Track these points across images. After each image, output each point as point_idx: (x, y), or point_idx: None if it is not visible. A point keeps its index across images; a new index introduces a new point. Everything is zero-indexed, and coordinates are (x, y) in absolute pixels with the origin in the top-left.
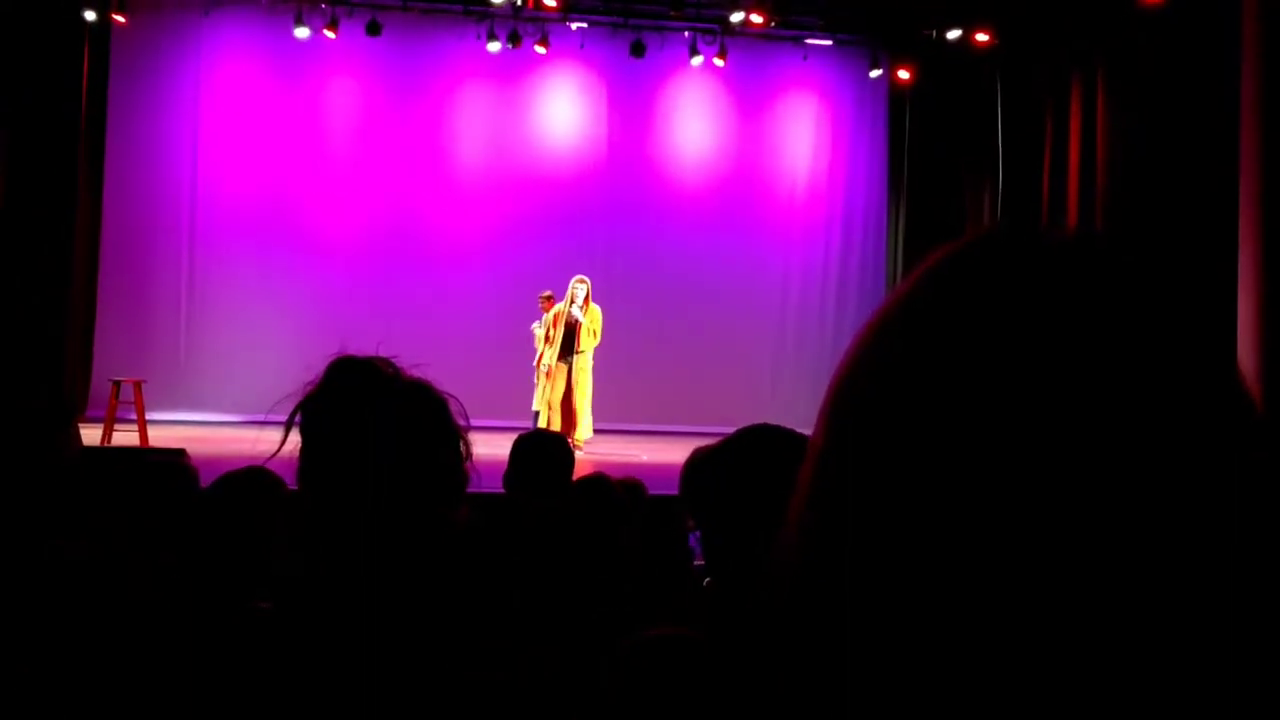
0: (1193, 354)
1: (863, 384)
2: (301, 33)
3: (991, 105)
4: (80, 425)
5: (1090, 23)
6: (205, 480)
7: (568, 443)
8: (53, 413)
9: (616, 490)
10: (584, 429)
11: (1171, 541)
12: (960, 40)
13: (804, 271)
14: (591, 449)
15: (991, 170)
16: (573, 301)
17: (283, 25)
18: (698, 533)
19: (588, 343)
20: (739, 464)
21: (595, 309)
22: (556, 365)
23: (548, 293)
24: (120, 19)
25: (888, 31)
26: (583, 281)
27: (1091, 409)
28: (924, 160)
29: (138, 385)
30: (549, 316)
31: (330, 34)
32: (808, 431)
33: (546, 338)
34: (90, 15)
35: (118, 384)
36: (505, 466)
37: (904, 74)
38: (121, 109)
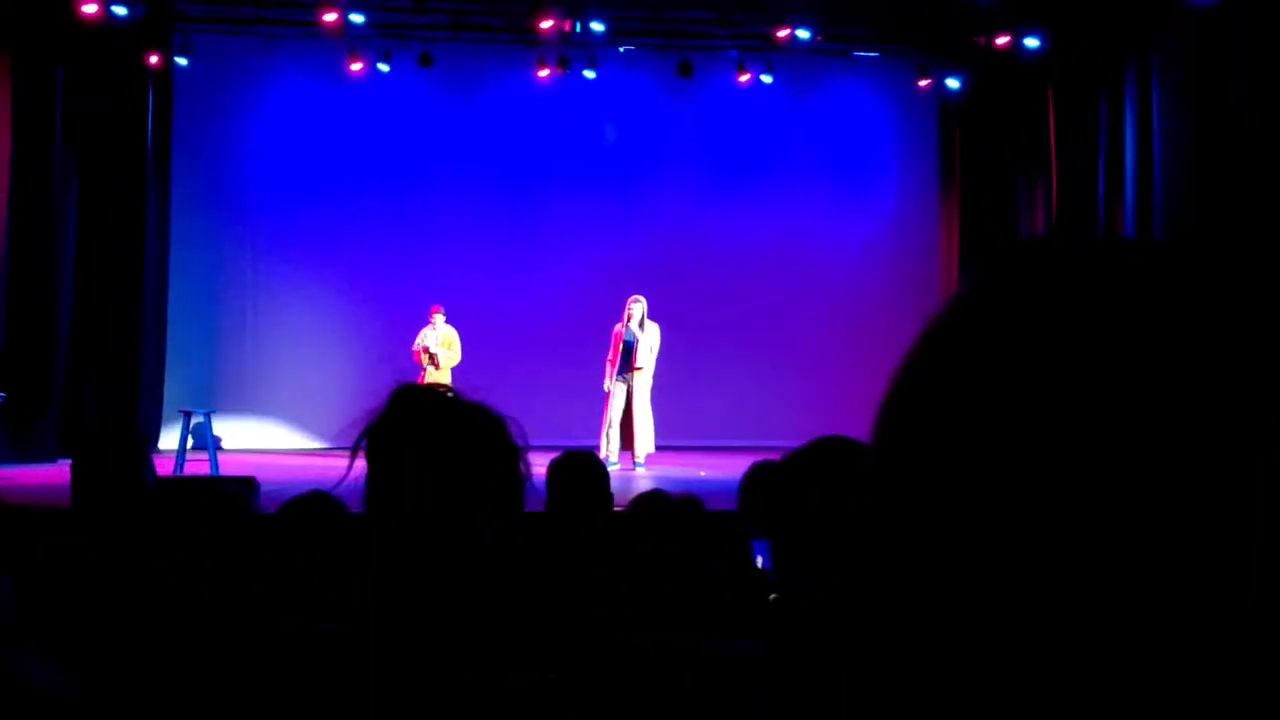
0: (1251, 364)
1: (916, 395)
2: (356, 67)
3: (1043, 109)
4: (154, 456)
5: (1142, 22)
6: (273, 507)
7: (599, 459)
8: (128, 445)
9: (675, 506)
10: (645, 446)
11: (1221, 552)
12: (1009, 45)
13: (858, 284)
14: (650, 465)
15: (1045, 176)
16: (629, 321)
17: (338, 61)
18: (762, 546)
19: (647, 359)
20: (811, 476)
21: (653, 326)
22: (616, 384)
23: (439, 309)
24: (182, 61)
25: (935, 40)
26: (638, 301)
27: (1141, 419)
28: (976, 168)
29: (208, 416)
30: (613, 334)
31: (383, 67)
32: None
33: (611, 361)
34: (154, 59)
35: (188, 415)
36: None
37: (953, 82)
38: (185, 148)
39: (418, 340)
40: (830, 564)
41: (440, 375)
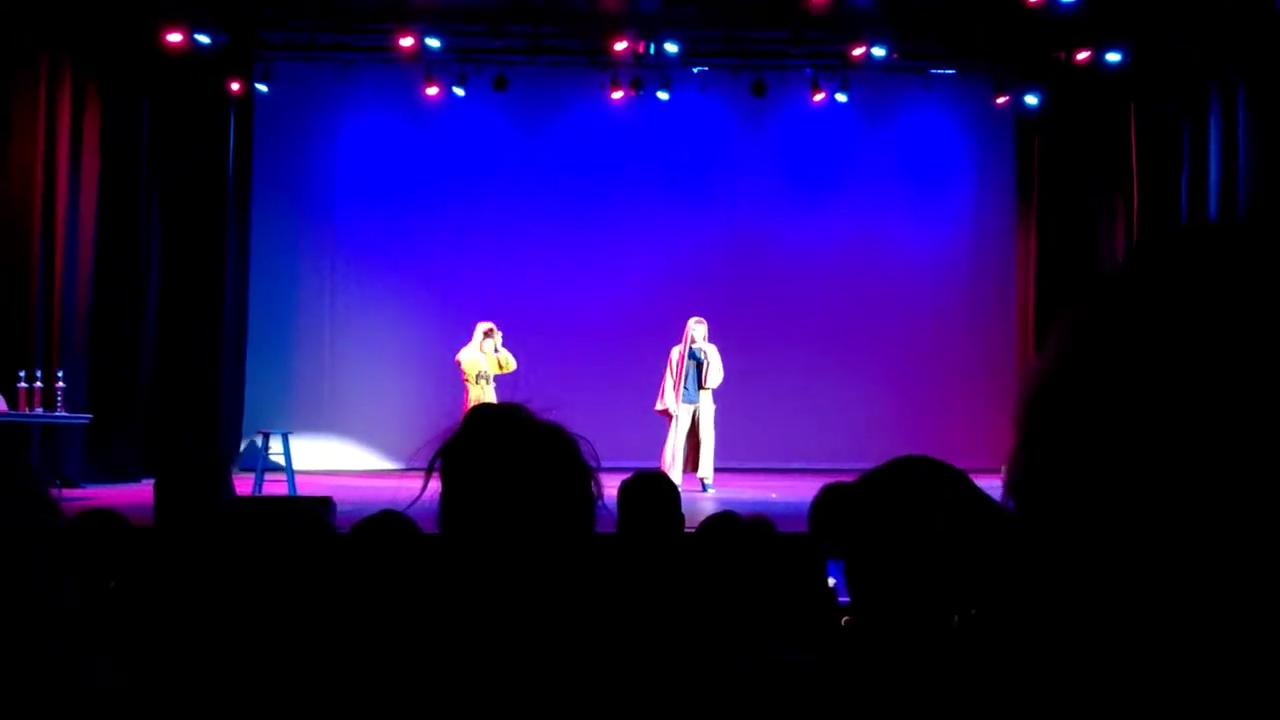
0: None
1: (1081, 388)
2: (432, 91)
3: (1124, 125)
4: (233, 476)
5: (1227, 37)
6: (346, 527)
7: (670, 479)
8: (210, 465)
9: (746, 528)
10: (710, 468)
11: None
12: (1090, 61)
13: (935, 303)
14: (721, 488)
15: (1125, 193)
16: (692, 342)
17: (414, 85)
18: (837, 570)
19: (715, 379)
20: (892, 496)
21: (712, 348)
22: (683, 405)
23: (488, 325)
24: (263, 87)
25: (1013, 57)
26: (700, 322)
27: None
28: (1054, 186)
29: (285, 436)
30: (674, 356)
31: (459, 91)
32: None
33: (675, 384)
34: (235, 86)
35: (266, 435)
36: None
37: (1031, 98)
38: (265, 173)
39: (469, 360)
40: (909, 586)
41: (487, 394)
